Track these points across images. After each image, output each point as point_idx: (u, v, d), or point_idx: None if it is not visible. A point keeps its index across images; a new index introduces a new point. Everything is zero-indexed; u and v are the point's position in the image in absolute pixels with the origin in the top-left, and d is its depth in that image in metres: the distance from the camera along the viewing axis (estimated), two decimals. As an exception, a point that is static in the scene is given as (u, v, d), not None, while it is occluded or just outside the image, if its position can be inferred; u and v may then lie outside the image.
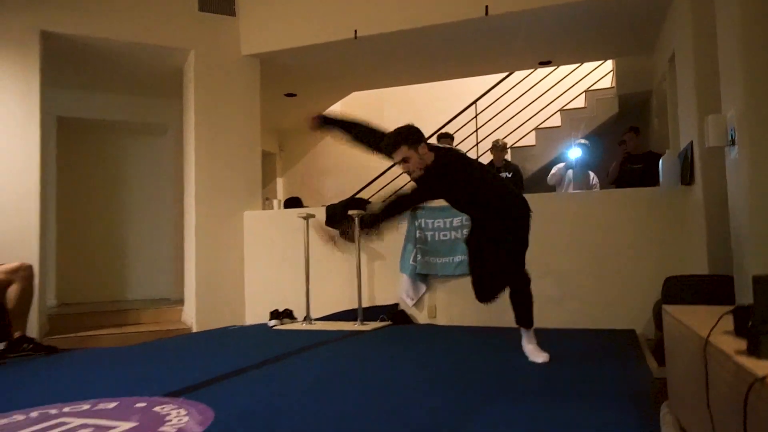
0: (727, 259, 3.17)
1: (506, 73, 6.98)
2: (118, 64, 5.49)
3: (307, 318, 4.65)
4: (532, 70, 6.88)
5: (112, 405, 2.06)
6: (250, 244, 5.27)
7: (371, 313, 4.55)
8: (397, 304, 4.60)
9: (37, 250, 4.43)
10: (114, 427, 1.77)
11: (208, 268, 5.14)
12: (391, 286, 4.65)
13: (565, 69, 7.04)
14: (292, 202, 5.81)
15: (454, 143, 5.74)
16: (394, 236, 4.62)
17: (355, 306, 4.54)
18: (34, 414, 1.97)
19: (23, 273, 3.74)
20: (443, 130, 6.26)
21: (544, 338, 2.89)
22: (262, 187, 5.69)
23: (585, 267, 4.19)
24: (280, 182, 8.49)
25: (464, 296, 4.36)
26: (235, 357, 3.22)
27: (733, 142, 2.66)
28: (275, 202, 5.98)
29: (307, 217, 4.69)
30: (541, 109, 7.15)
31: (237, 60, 5.41)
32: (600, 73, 7.18)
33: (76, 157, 6.40)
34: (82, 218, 6.38)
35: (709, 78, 3.30)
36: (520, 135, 7.28)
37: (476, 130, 7.06)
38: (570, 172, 5.60)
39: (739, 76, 2.45)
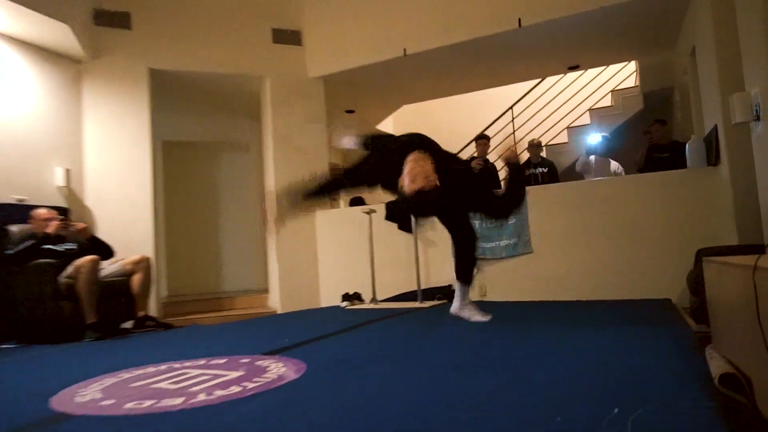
0: (755, 231, 3.00)
1: (539, 79, 6.86)
2: (208, 92, 5.72)
3: (373, 299, 4.68)
4: (562, 75, 6.73)
5: (222, 361, 2.16)
6: (322, 238, 5.34)
7: (428, 293, 4.52)
8: (450, 285, 4.55)
9: (152, 249, 4.71)
10: (226, 375, 1.85)
11: (288, 261, 5.26)
12: (445, 269, 4.59)
13: (592, 72, 6.85)
14: (357, 201, 5.87)
15: (491, 142, 5.63)
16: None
17: (414, 288, 4.52)
18: (162, 367, 2.11)
19: (144, 264, 3.95)
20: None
21: (589, 309, 2.80)
22: (330, 190, 5.77)
23: (621, 244, 4.02)
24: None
25: (512, 275, 4.34)
26: (317, 328, 3.28)
27: (758, 118, 2.52)
28: (341, 202, 6.06)
29: (370, 213, 4.74)
30: (572, 110, 6.99)
31: (304, 82, 5.52)
32: (625, 74, 6.96)
33: (178, 173, 6.66)
34: (184, 224, 6.63)
35: (731, 63, 3.16)
36: (553, 134, 7.14)
37: (513, 132, 6.95)
38: (592, 158, 5.39)
39: (761, 54, 2.32)
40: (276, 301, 5.28)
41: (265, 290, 5.96)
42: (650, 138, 5.02)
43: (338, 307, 4.71)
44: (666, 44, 5.21)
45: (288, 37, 5.49)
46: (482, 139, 5.52)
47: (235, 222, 6.82)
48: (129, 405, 1.55)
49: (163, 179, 6.09)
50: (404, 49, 5.03)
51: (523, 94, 7.00)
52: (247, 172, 6.80)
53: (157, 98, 5.19)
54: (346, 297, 4.79)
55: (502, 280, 4.40)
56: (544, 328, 2.75)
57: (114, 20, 4.86)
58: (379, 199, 4.82)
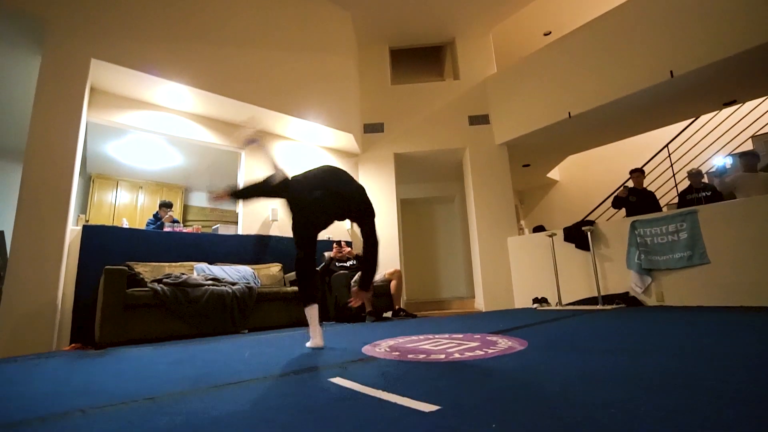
0: None
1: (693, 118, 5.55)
2: (429, 164, 6.06)
3: (558, 302, 4.23)
4: (717, 112, 5.33)
5: (461, 335, 2.17)
6: (514, 256, 5.08)
7: (607, 298, 3.89)
8: (627, 292, 3.86)
9: (399, 264, 5.10)
10: (467, 344, 1.86)
11: (489, 274, 5.12)
12: (620, 279, 3.94)
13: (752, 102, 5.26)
14: (538, 229, 5.47)
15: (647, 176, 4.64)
16: (620, 244, 3.96)
17: (594, 294, 3.97)
18: (421, 337, 2.20)
19: (397, 274, 4.18)
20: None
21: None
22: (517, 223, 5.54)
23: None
24: (523, 223, 8.13)
25: (687, 282, 3.46)
26: (519, 320, 3.09)
27: None
28: (526, 231, 5.71)
29: (552, 236, 4.37)
30: (732, 139, 5.42)
31: (492, 149, 5.49)
32: None
33: (411, 219, 7.16)
34: (416, 252, 7.03)
35: None
36: (713, 160, 5.59)
37: (671, 166, 5.69)
38: (729, 178, 3.95)
39: None
40: (481, 303, 5.16)
41: (473, 296, 5.89)
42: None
43: (530, 308, 4.38)
44: None
45: (479, 119, 5.59)
46: (636, 172, 4.63)
47: (450, 250, 6.92)
48: (410, 356, 1.65)
49: (401, 224, 6.59)
50: (569, 113, 4.66)
51: (677, 132, 5.73)
52: (454, 216, 6.94)
53: (398, 172, 5.76)
54: (536, 300, 4.43)
55: (679, 287, 3.53)
56: (716, 331, 2.09)
57: (375, 128, 5.63)
58: (553, 227, 4.40)
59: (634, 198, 4.41)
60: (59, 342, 2.87)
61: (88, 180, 5.68)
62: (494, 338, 1.99)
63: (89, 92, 3.47)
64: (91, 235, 3.18)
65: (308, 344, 2.05)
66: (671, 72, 3.89)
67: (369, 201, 2.14)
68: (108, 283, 2.62)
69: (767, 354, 1.37)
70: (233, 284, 3.28)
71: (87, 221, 4.94)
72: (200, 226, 4.17)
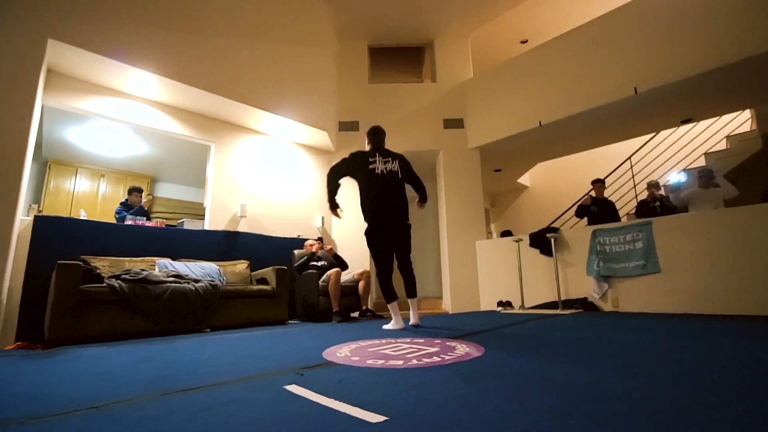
0: None
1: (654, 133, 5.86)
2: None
3: (521, 306, 4.39)
4: (675, 128, 5.66)
5: (421, 340, 2.20)
6: (481, 259, 5.20)
7: (567, 303, 4.07)
8: (585, 298, 4.05)
9: (369, 264, 5.09)
10: (427, 349, 1.89)
11: (456, 275, 5.21)
12: (580, 285, 4.13)
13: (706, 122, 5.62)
14: (506, 233, 5.63)
15: (608, 186, 4.86)
16: (582, 250, 4.13)
17: (555, 299, 4.15)
18: (383, 341, 2.21)
19: (365, 275, 4.18)
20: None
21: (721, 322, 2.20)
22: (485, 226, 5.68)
23: (746, 262, 3.13)
24: (493, 226, 8.33)
25: (641, 290, 3.67)
26: (482, 324, 3.18)
27: None
28: (495, 234, 5.86)
29: (518, 241, 4.52)
30: (687, 155, 5.77)
31: (466, 152, 5.57)
32: (739, 120, 5.54)
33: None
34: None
35: None
36: (669, 176, 5.95)
37: (633, 177, 6.00)
38: (686, 192, 4.21)
39: None
40: (448, 305, 5.26)
41: (440, 296, 5.99)
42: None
43: (494, 311, 4.52)
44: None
45: (454, 123, 5.66)
46: (598, 183, 4.84)
47: (420, 250, 7.02)
48: (369, 361, 1.66)
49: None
50: (539, 122, 4.81)
51: (640, 145, 6.04)
52: (426, 217, 6.98)
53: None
54: (501, 303, 4.57)
55: (633, 294, 3.74)
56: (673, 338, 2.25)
57: (350, 126, 5.60)
58: (523, 231, 4.55)
59: (596, 208, 4.61)
60: (3, 340, 2.72)
61: (43, 165, 5.37)
62: (454, 344, 2.04)
63: (46, 74, 3.28)
64: (44, 226, 3.03)
65: (390, 326, 2.75)
66: (635, 89, 4.09)
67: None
68: (60, 279, 2.52)
69: (703, 356, 1.49)
70: (197, 281, 3.21)
71: (40, 211, 4.69)
72: (164, 220, 4.03)
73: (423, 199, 3.00)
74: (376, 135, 2.99)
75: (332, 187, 2.91)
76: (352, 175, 2.90)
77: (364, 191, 2.87)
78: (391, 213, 2.81)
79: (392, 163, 2.88)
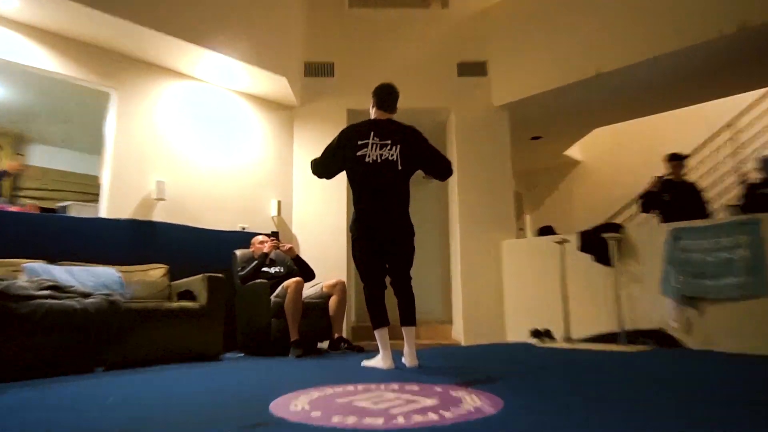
0: None
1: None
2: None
3: (566, 337, 4.35)
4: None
5: (415, 387, 2.15)
6: (508, 269, 5.18)
7: (633, 336, 4.03)
8: (660, 328, 4.01)
9: (345, 271, 5.12)
10: (421, 402, 1.85)
11: (472, 291, 5.20)
12: (652, 308, 4.08)
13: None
14: (545, 231, 5.61)
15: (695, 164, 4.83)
16: (654, 259, 4.09)
17: (616, 329, 4.10)
18: (360, 387, 2.18)
19: (339, 287, 4.16)
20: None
21: None
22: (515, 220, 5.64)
23: None
24: (527, 218, 8.33)
25: (742, 319, 3.61)
26: (507, 363, 3.14)
27: None
28: (529, 232, 5.85)
29: (562, 242, 4.48)
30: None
31: (489, 112, 5.52)
32: None
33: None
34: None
35: None
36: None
37: (733, 152, 5.98)
38: None
39: None
40: (459, 333, 5.25)
41: (449, 321, 5.98)
42: None
43: (527, 343, 4.47)
44: None
45: (473, 69, 5.59)
46: (675, 160, 4.68)
47: (420, 254, 6.95)
48: (336, 419, 1.61)
49: (352, 212, 6.56)
50: (597, 69, 4.73)
51: (744, 106, 6.01)
52: (429, 205, 6.97)
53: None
54: (536, 333, 4.54)
55: (733, 326, 3.67)
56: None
57: (321, 69, 5.52)
58: (571, 228, 4.52)
59: (669, 196, 4.56)
60: None
61: None
62: (460, 393, 1.99)
63: None
64: None
65: (374, 364, 2.87)
66: (741, 23, 4.01)
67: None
68: None
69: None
70: (86, 295, 3.10)
71: None
72: (37, 202, 3.90)
73: (440, 177, 3.15)
74: (383, 100, 3.05)
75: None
76: (342, 166, 2.99)
77: (352, 185, 2.99)
78: (385, 216, 2.91)
79: (392, 148, 2.92)
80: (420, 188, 7.13)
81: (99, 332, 3.02)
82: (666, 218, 4.51)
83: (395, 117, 3.09)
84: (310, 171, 3.13)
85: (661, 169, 4.76)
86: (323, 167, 3.08)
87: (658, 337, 3.93)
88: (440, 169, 3.07)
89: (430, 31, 5.69)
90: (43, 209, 3.92)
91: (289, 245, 4.44)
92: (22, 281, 3.01)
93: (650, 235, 4.20)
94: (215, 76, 4.90)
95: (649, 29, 4.50)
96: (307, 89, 5.50)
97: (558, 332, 4.50)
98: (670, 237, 4.00)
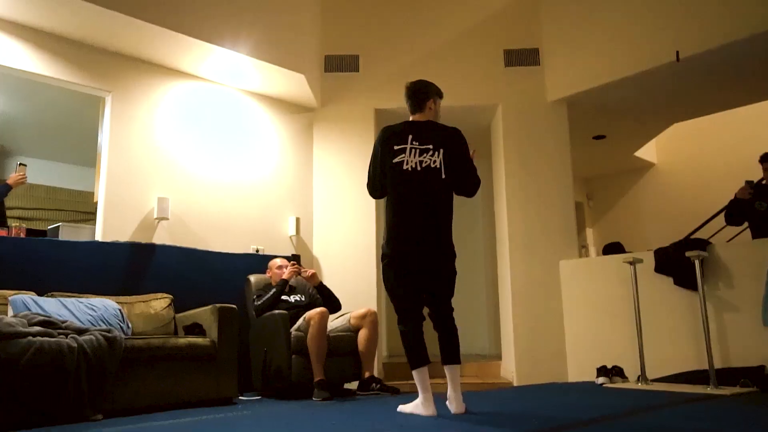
0: None
1: None
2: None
3: (641, 377, 4.26)
4: None
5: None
6: (569, 295, 5.10)
7: (725, 375, 3.91)
8: (763, 367, 3.88)
9: (376, 299, 5.12)
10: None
11: (526, 321, 5.13)
12: (752, 343, 3.96)
13: None
14: (613, 248, 5.52)
15: None
16: (750, 282, 3.99)
17: (702, 367, 4.00)
18: None
19: (370, 318, 4.15)
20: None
21: None
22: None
23: None
24: (590, 233, 8.22)
25: None
26: (570, 409, 3.09)
27: None
28: (592, 250, 5.76)
29: (634, 262, 4.39)
30: None
31: (543, 107, 5.49)
32: None
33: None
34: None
35: None
36: None
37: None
38: None
39: None
40: (511, 371, 5.18)
41: (498, 356, 5.91)
42: None
43: (593, 383, 4.41)
44: None
45: (523, 57, 5.56)
46: None
47: (461, 274, 6.86)
48: None
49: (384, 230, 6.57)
50: (677, 53, 4.66)
51: None
52: (473, 220, 6.94)
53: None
54: (604, 371, 4.44)
55: None
56: None
57: (344, 63, 5.57)
58: (643, 244, 4.42)
59: (765, 205, 4.46)
60: None
61: None
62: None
63: None
64: None
65: (413, 410, 2.88)
66: None
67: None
68: None
69: None
70: (81, 332, 3.17)
71: None
72: (23, 225, 4.02)
73: (466, 194, 3.11)
74: (410, 101, 3.12)
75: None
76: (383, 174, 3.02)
77: (389, 196, 3.01)
78: (424, 235, 2.91)
79: (434, 153, 2.93)
80: (463, 203, 7.10)
81: (96, 375, 3.05)
82: (759, 231, 4.43)
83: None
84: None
85: (756, 173, 4.66)
86: (371, 183, 3.11)
87: (758, 377, 3.80)
88: (469, 186, 3.06)
89: (471, 13, 5.68)
90: (31, 231, 4.02)
91: (312, 271, 4.47)
92: (8, 317, 3.09)
93: (746, 252, 4.11)
94: (223, 76, 4.97)
95: (741, 2, 4.40)
96: (329, 87, 5.53)
97: (630, 371, 4.43)
98: (771, 255, 3.90)
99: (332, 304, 4.34)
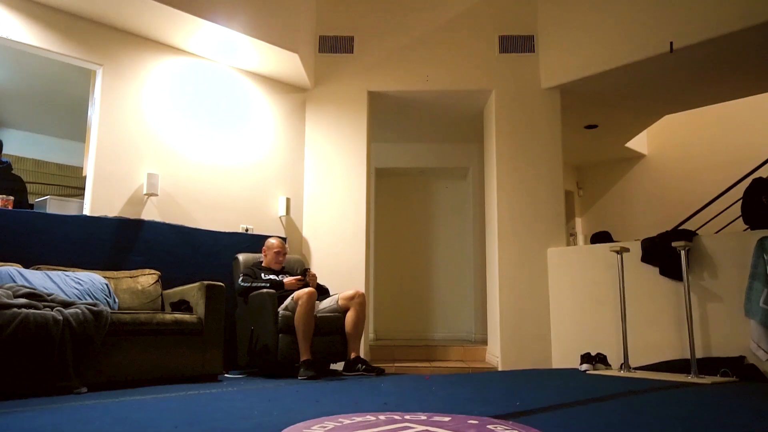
0: None
1: None
2: (426, 114, 6.04)
3: (624, 365, 4.31)
4: None
5: (446, 419, 2.15)
6: (556, 282, 5.15)
7: (706, 365, 3.97)
8: (743, 357, 3.94)
9: (364, 282, 5.15)
10: (454, 436, 1.85)
11: (512, 307, 5.18)
12: (732, 333, 4.01)
13: None
14: (600, 237, 5.56)
15: None
16: (735, 273, 4.03)
17: (684, 356, 4.06)
18: (381, 417, 2.19)
19: (358, 299, 4.18)
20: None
21: None
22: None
23: None
24: (579, 222, 8.26)
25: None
26: (553, 393, 3.12)
27: None
28: (580, 238, 5.80)
29: (621, 251, 4.43)
30: None
31: (537, 94, 5.49)
32: None
33: (388, 203, 7.18)
34: (392, 259, 7.07)
35: None
36: None
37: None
38: None
39: None
40: (496, 356, 5.23)
41: (483, 341, 5.97)
42: None
43: (576, 370, 4.45)
44: None
45: (518, 44, 5.55)
46: None
47: (450, 259, 7.00)
48: None
49: (374, 209, 6.57)
50: (671, 43, 4.65)
51: None
52: (464, 202, 6.97)
53: (373, 123, 5.71)
54: (587, 358, 4.49)
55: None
56: None
57: (338, 44, 5.55)
58: (631, 234, 4.45)
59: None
60: None
61: None
62: (499, 427, 1.98)
63: None
64: None
65: None
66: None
67: None
68: None
69: None
70: (66, 305, 3.16)
71: None
72: (8, 199, 3.98)
73: None
74: None
75: None
76: None
77: None
78: None
79: None
80: (452, 185, 7.13)
81: (81, 347, 3.06)
82: (758, 226, 4.42)
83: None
84: None
85: (743, 166, 4.66)
86: None
87: (737, 367, 3.85)
88: None
89: (466, -2, 5.66)
90: (18, 204, 4.00)
91: (314, 273, 4.37)
92: (-6, 288, 3.08)
93: (729, 243, 4.14)
94: (214, 52, 4.95)
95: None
96: (322, 68, 5.51)
97: (614, 358, 4.48)
98: (758, 247, 3.92)
99: (320, 290, 4.34)
